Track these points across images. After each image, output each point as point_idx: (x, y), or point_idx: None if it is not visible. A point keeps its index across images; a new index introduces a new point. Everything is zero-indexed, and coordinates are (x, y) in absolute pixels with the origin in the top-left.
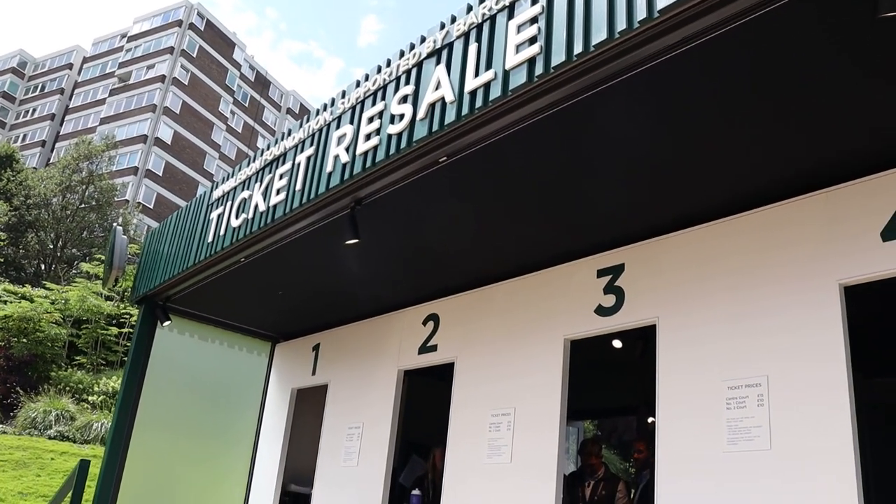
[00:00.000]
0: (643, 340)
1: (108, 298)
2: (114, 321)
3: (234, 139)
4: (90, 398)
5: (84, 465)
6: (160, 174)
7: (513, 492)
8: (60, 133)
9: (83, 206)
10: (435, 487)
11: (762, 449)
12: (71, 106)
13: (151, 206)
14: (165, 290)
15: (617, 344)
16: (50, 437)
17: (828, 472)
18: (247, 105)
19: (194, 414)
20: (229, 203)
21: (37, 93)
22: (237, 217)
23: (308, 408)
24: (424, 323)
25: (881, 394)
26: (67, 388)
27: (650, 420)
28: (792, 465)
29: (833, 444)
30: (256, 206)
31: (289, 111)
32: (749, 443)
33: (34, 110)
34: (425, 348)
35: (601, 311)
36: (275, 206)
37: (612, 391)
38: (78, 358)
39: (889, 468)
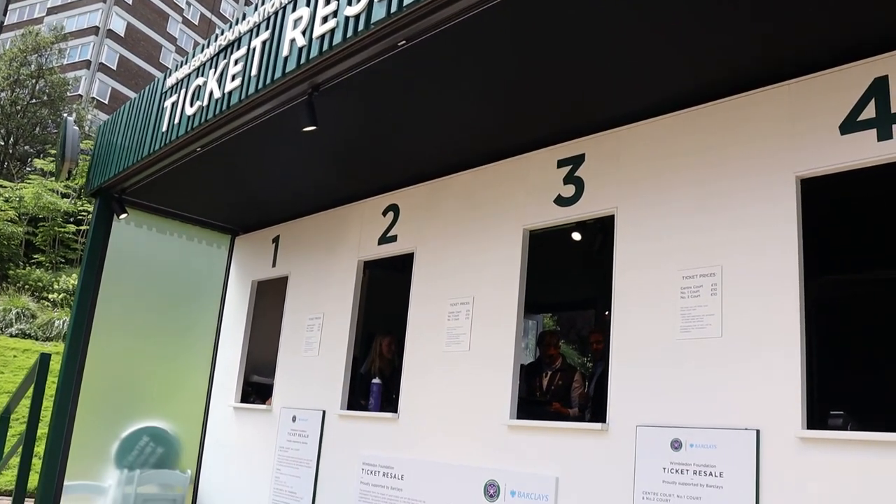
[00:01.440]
0: (602, 234)
1: (64, 196)
2: (71, 219)
3: (190, 31)
4: (50, 296)
5: (45, 359)
6: (114, 68)
7: (471, 379)
8: (4, 24)
9: (34, 101)
10: (383, 375)
11: (713, 336)
12: None
13: (106, 102)
14: (121, 181)
15: (576, 237)
16: (11, 335)
17: (774, 361)
18: None
19: (155, 307)
20: (183, 91)
21: None
22: (192, 105)
23: (268, 300)
24: (384, 213)
25: (831, 290)
26: (27, 287)
27: (607, 313)
28: (741, 353)
29: (781, 335)
30: (211, 93)
31: (247, 2)
32: (701, 330)
33: None
34: (385, 239)
35: (560, 201)
36: (230, 93)
37: (571, 286)
38: (36, 256)
39: (833, 364)
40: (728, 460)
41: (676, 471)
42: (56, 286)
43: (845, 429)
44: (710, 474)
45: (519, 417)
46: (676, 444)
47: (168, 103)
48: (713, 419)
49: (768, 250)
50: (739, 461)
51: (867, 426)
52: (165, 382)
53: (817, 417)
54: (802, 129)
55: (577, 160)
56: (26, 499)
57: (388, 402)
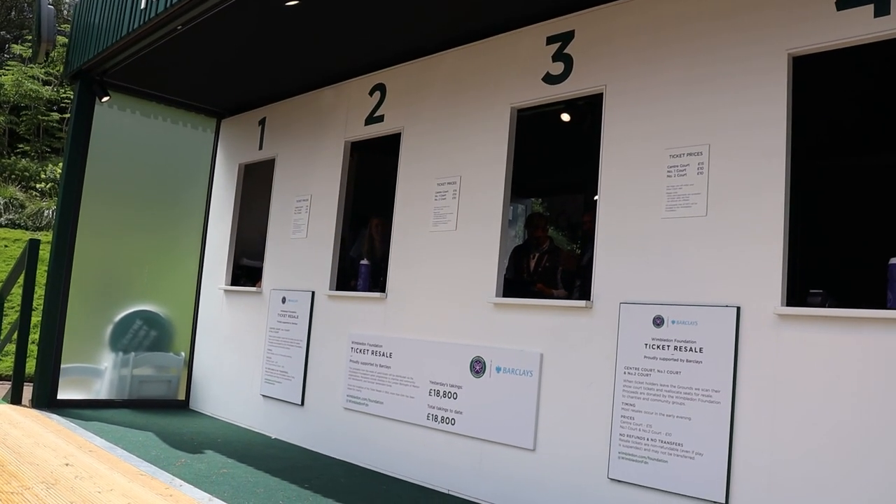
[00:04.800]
0: (591, 114)
1: (46, 83)
2: (55, 107)
3: None
4: (38, 185)
5: (34, 244)
6: None
7: (457, 257)
8: None
9: None
10: (373, 256)
11: (699, 215)
12: None
13: None
14: (101, 63)
15: (566, 118)
16: (1, 226)
17: (758, 240)
18: None
19: (142, 192)
20: None
21: None
22: None
23: (256, 183)
24: (371, 93)
25: (817, 174)
26: (13, 177)
27: (596, 198)
28: (725, 232)
29: (766, 214)
30: None
31: None
32: (687, 209)
33: None
34: (372, 119)
35: (549, 78)
36: None
37: (561, 170)
38: (21, 146)
39: (814, 246)
40: (708, 336)
41: (658, 346)
42: (43, 175)
43: (824, 307)
44: (691, 350)
45: (506, 297)
46: (658, 321)
47: None
48: (695, 296)
49: (756, 129)
50: (719, 337)
51: (845, 305)
52: (156, 267)
53: (798, 295)
54: (797, 5)
55: (567, 37)
56: (25, 383)
57: (377, 284)
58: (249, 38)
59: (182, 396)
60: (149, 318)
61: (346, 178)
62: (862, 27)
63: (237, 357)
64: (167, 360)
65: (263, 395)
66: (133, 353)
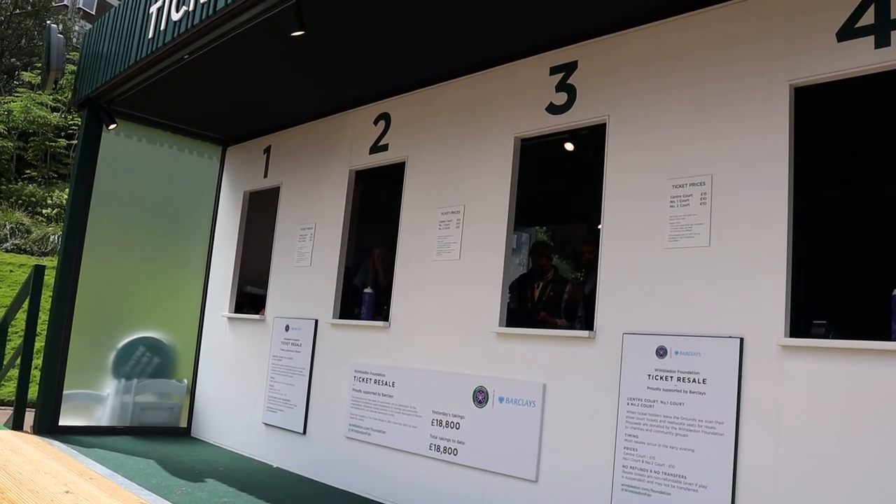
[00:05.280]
0: (594, 144)
1: (54, 110)
2: (62, 133)
3: None
4: (44, 211)
5: (39, 270)
6: None
7: (461, 287)
8: None
9: (17, 11)
10: (377, 286)
11: (702, 245)
12: None
13: (93, 12)
14: (108, 91)
15: (569, 147)
16: (7, 251)
17: (761, 271)
18: None
19: (148, 219)
20: None
21: None
22: (177, 10)
23: (261, 210)
24: (375, 122)
25: (819, 205)
26: (20, 202)
27: (599, 227)
28: (728, 263)
29: (769, 245)
30: None
31: None
32: (690, 239)
33: None
34: (376, 148)
35: (552, 109)
36: None
37: (564, 199)
38: (28, 171)
39: (818, 277)
40: (711, 367)
41: (661, 377)
42: (49, 201)
43: (827, 338)
44: (694, 381)
45: (509, 326)
46: (662, 352)
47: (154, 9)
48: (699, 327)
49: (759, 160)
50: (722, 368)
51: (849, 336)
52: (160, 294)
53: (801, 327)
54: (798, 36)
55: (570, 67)
56: (27, 408)
57: (380, 313)
58: (255, 67)
59: (184, 424)
60: (152, 345)
61: (350, 207)
62: (863, 58)
63: (240, 385)
64: (170, 387)
65: (266, 424)
66: (135, 380)
